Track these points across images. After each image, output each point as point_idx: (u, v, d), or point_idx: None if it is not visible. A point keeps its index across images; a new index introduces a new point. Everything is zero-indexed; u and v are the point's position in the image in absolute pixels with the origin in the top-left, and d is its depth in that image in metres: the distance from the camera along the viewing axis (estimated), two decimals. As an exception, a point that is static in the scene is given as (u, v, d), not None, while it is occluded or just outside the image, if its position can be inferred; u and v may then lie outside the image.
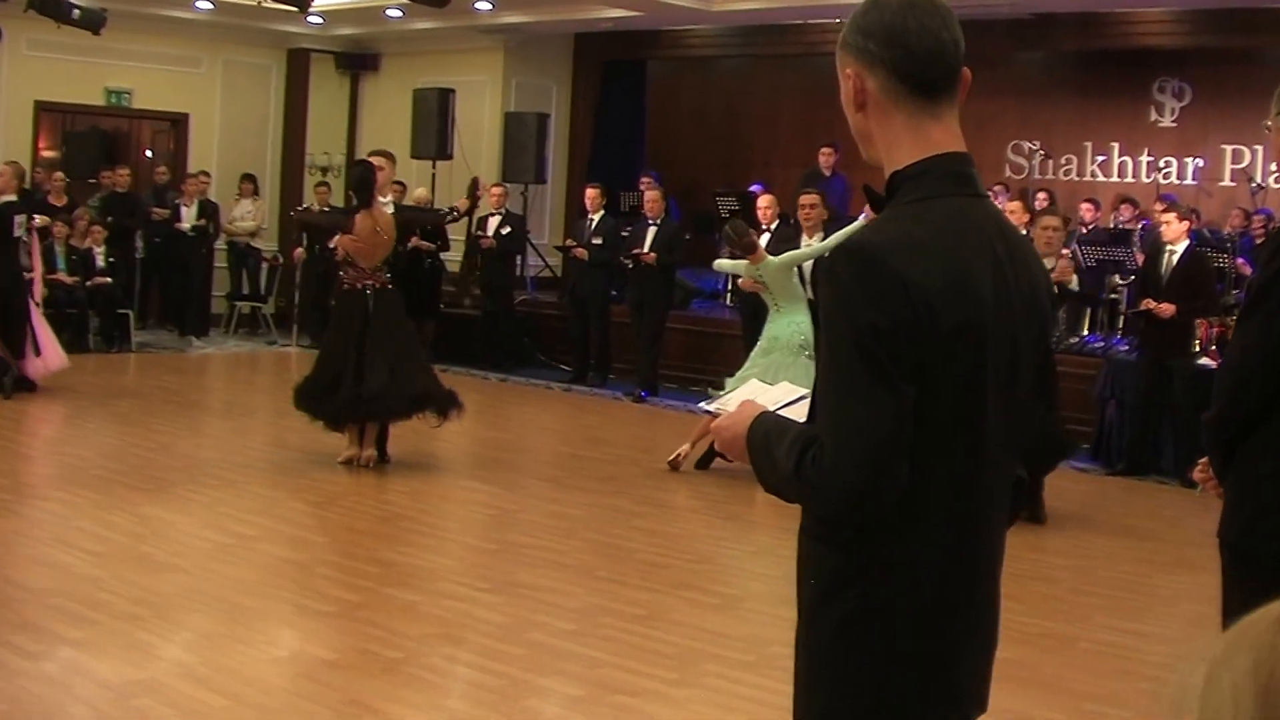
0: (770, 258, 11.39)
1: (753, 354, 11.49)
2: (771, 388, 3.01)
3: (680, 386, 16.17)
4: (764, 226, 14.35)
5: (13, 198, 13.58)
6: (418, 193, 18.02)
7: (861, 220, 11.45)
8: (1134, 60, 17.39)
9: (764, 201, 14.53)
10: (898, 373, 2.48)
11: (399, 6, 18.02)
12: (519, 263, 18.38)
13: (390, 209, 11.01)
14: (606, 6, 17.26)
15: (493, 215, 17.42)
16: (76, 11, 15.17)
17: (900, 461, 2.50)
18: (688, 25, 18.78)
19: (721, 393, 10.99)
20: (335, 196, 19.20)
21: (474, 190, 11.30)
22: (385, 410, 10.89)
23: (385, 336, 10.75)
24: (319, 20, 19.25)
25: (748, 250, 11.35)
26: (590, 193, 16.70)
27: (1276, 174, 15.72)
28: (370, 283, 10.84)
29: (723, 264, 12.77)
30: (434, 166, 18.83)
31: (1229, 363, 4.25)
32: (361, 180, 10.98)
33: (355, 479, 10.73)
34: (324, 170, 20.76)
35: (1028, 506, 8.92)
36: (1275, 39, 15.60)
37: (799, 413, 2.86)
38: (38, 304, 14.03)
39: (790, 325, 11.21)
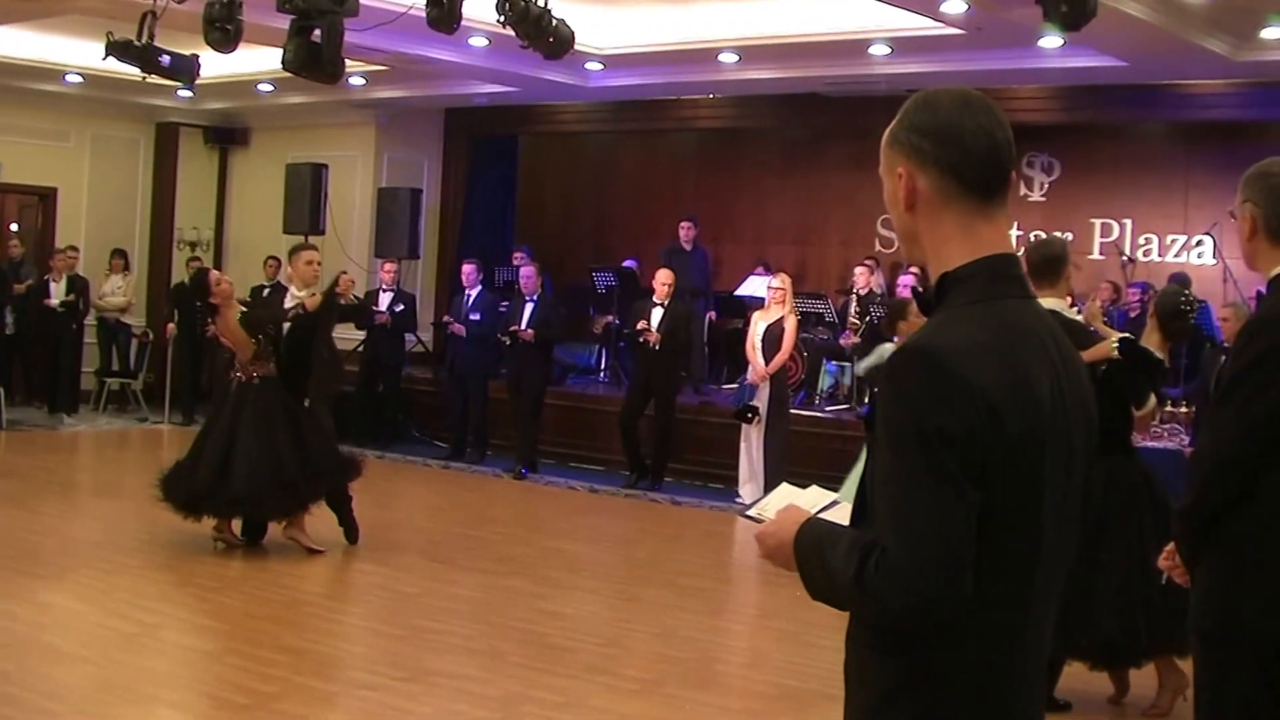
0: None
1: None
2: (804, 491, 3.01)
3: (558, 463, 16.28)
4: (657, 302, 14.52)
5: None
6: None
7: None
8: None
9: (663, 277, 14.62)
10: (965, 479, 2.40)
11: (270, 80, 17.90)
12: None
13: (239, 311, 10.81)
14: (480, 82, 17.30)
15: (385, 291, 17.44)
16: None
17: (967, 569, 2.41)
18: (560, 100, 18.92)
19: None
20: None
21: (332, 288, 11.13)
22: (246, 510, 10.80)
23: (251, 429, 10.57)
24: (188, 94, 19.02)
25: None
26: (467, 268, 16.72)
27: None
28: (239, 375, 10.81)
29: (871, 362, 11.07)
30: (306, 241, 18.71)
31: (1202, 452, 4.19)
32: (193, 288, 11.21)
33: (247, 562, 10.65)
34: (193, 245, 20.58)
35: None
36: (1140, 114, 16.10)
37: (839, 517, 2.77)
38: None
39: None
